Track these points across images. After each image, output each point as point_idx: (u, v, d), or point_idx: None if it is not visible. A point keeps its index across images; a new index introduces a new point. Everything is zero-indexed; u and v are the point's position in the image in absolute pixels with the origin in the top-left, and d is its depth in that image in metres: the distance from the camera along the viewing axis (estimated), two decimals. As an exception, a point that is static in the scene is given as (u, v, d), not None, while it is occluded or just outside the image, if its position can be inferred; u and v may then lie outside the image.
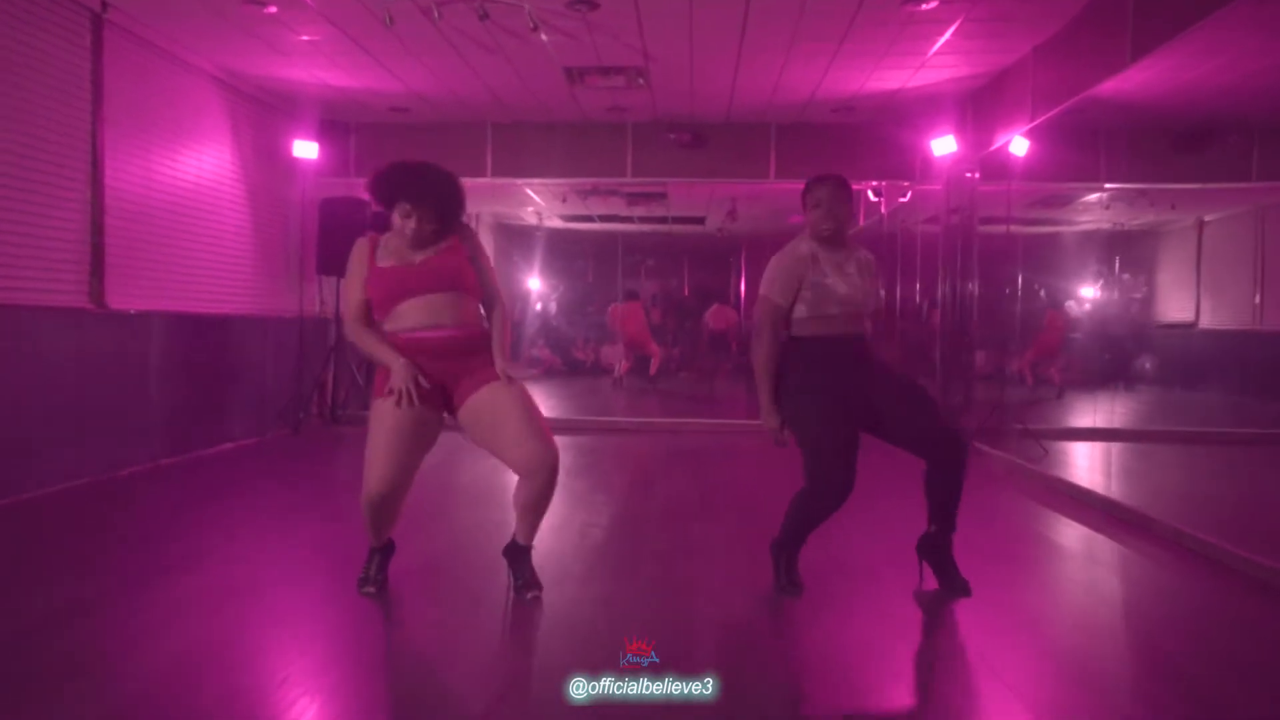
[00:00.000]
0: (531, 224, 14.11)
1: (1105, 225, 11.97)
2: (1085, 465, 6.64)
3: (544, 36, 5.58)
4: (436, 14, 4.97)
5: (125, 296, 5.61)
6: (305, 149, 7.52)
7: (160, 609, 2.97)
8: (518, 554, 3.04)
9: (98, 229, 5.37)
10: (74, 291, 5.23)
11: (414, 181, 2.89)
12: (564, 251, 15.52)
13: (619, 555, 3.78)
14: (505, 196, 11.73)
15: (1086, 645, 2.79)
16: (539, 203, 12.25)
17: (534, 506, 2.91)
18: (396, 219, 2.90)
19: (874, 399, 3.04)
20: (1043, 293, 10.80)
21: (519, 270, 15.38)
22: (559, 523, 4.17)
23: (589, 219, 13.57)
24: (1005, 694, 2.40)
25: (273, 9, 5.40)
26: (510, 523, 3.10)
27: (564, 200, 11.56)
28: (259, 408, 7.21)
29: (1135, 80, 5.50)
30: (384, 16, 5.05)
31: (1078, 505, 4.90)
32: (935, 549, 3.14)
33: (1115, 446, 7.31)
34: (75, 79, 5.18)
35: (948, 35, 5.71)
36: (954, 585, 3.11)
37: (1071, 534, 4.37)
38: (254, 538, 4.03)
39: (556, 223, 13.95)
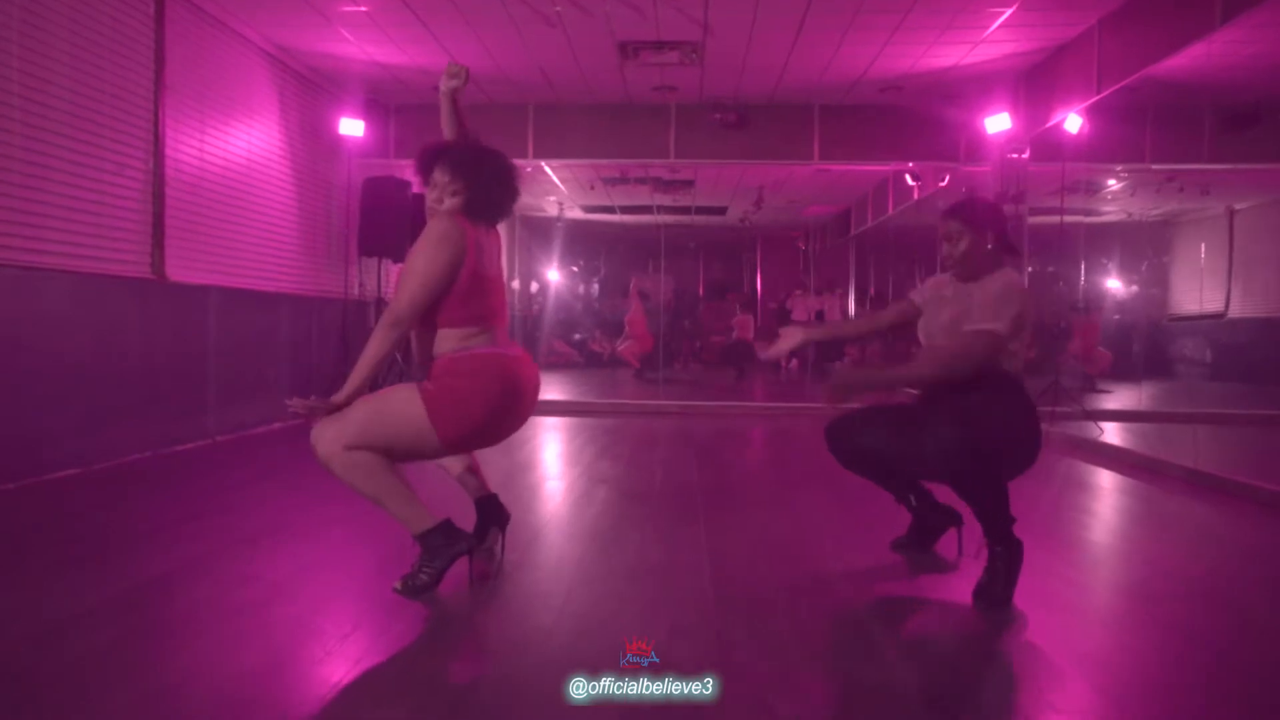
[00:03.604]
0: (551, 215, 14.05)
1: (1130, 214, 11.97)
2: (1138, 440, 6.61)
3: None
4: (511, -22, 4.91)
5: (183, 269, 5.53)
6: (351, 126, 7.44)
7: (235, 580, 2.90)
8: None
9: (159, 199, 5.29)
10: (136, 262, 5.14)
11: (456, 150, 2.67)
12: (582, 243, 15.46)
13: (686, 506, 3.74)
14: (529, 182, 11.68)
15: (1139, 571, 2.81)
16: (562, 190, 12.18)
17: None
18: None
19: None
20: (1076, 290, 10.73)
21: (537, 262, 15.33)
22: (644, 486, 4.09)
23: (610, 209, 13.51)
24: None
25: (337, -24, 5.33)
26: (515, 500, 3.13)
27: (591, 188, 11.48)
28: (304, 388, 7.11)
29: (1203, 54, 5.47)
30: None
31: (1138, 469, 5.18)
32: None
33: (1159, 426, 7.31)
34: (140, 48, 5.10)
35: (1013, 9, 5.67)
36: None
37: (1137, 490, 4.57)
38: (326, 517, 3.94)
39: (577, 214, 13.88)
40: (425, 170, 2.68)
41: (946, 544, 3.14)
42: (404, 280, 2.54)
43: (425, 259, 2.52)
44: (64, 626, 2.31)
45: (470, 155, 2.67)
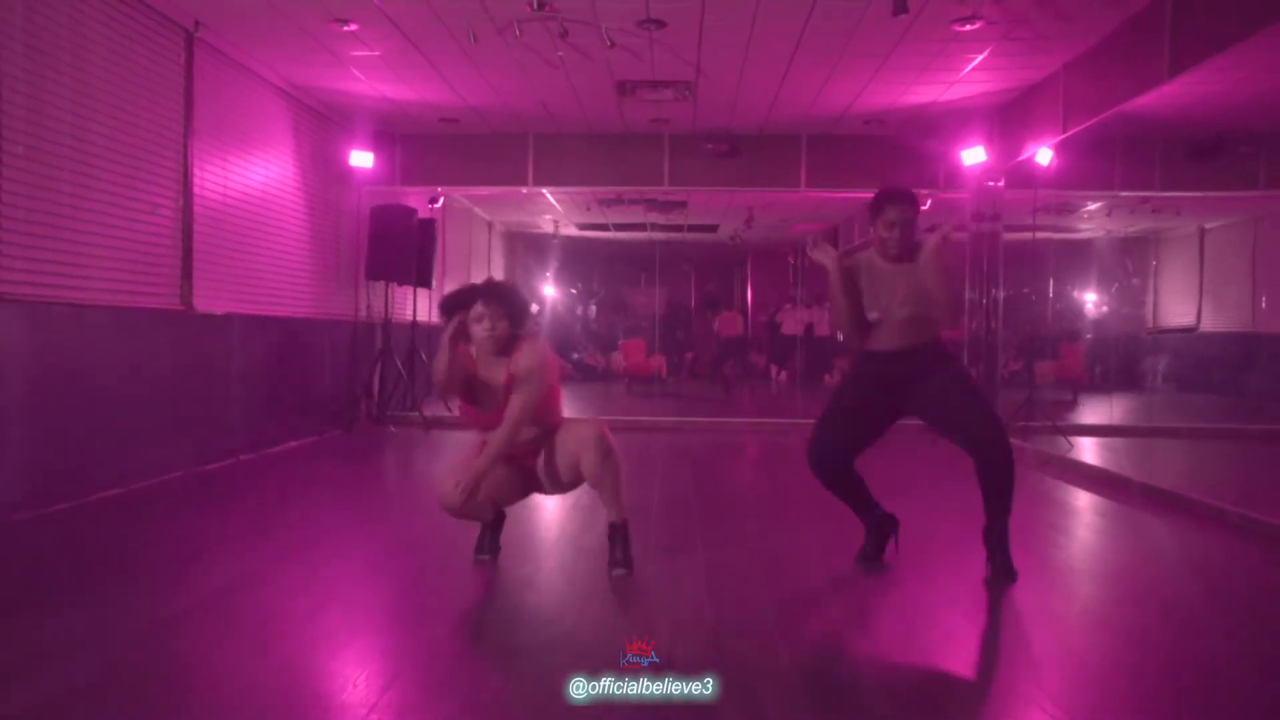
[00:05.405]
0: (548, 232, 14.42)
1: (1106, 232, 12.41)
2: (1105, 454, 6.99)
3: (609, 41, 5.90)
4: (518, 31, 5.29)
5: (208, 299, 5.88)
6: (361, 158, 7.81)
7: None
8: (611, 532, 3.32)
9: (187, 235, 5.64)
10: (167, 294, 5.50)
11: (485, 286, 3.31)
12: (578, 260, 15.85)
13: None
14: (526, 203, 12.05)
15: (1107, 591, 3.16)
16: (559, 210, 12.55)
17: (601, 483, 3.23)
18: (472, 325, 3.24)
19: (928, 397, 3.33)
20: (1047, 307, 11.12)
21: (532, 278, 15.70)
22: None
23: (604, 227, 13.89)
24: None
25: (354, 26, 5.70)
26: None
27: (588, 209, 11.87)
28: (315, 407, 7.48)
29: (1160, 95, 5.88)
30: (468, 33, 5.36)
31: (1103, 485, 5.54)
32: (989, 537, 3.38)
33: (1129, 441, 7.70)
34: (171, 93, 5.46)
35: (985, 54, 6.08)
36: (999, 570, 3.33)
37: (1100, 506, 4.93)
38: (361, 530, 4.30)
39: (571, 231, 14.25)
40: (463, 306, 3.24)
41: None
42: (536, 391, 3.16)
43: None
44: (149, 636, 2.66)
45: (498, 289, 3.31)
